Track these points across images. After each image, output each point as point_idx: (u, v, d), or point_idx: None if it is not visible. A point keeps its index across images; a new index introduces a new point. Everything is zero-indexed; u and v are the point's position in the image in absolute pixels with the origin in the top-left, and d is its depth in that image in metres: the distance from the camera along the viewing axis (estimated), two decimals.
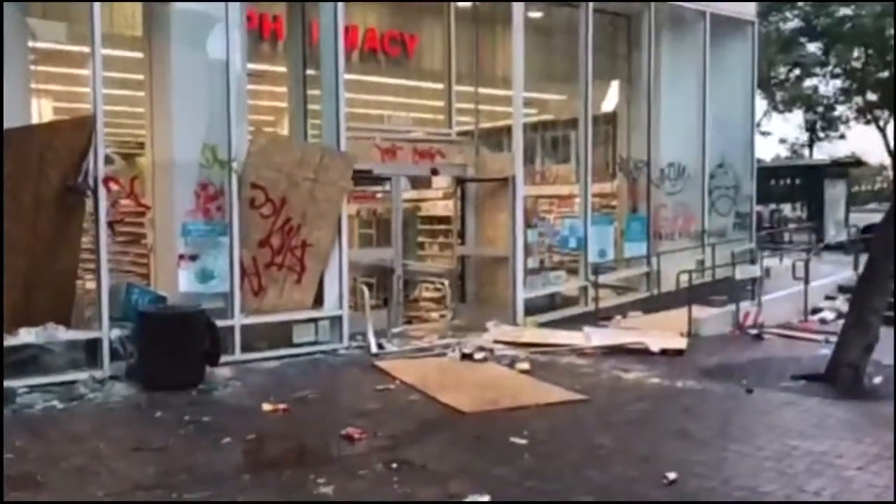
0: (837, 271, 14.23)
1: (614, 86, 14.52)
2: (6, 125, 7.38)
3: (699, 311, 11.00)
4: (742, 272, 11.37)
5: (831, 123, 37.37)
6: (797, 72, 35.20)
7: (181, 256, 8.64)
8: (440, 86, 12.51)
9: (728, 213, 14.61)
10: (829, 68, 34.38)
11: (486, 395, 7.39)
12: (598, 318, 11.78)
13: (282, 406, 6.99)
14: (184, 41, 9.04)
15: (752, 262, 12.33)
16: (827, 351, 9.31)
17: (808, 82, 35.74)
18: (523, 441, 6.01)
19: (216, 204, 8.80)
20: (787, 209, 24.11)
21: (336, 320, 9.62)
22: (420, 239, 15.22)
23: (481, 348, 9.52)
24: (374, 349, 9.46)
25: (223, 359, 8.48)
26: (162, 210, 9.19)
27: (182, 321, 7.97)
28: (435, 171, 11.61)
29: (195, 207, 8.75)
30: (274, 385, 7.94)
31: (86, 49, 8.20)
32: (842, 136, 37.63)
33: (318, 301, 9.60)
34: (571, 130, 16.26)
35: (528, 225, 11.46)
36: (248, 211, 8.98)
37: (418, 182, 15.89)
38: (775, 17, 32.90)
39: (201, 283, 8.70)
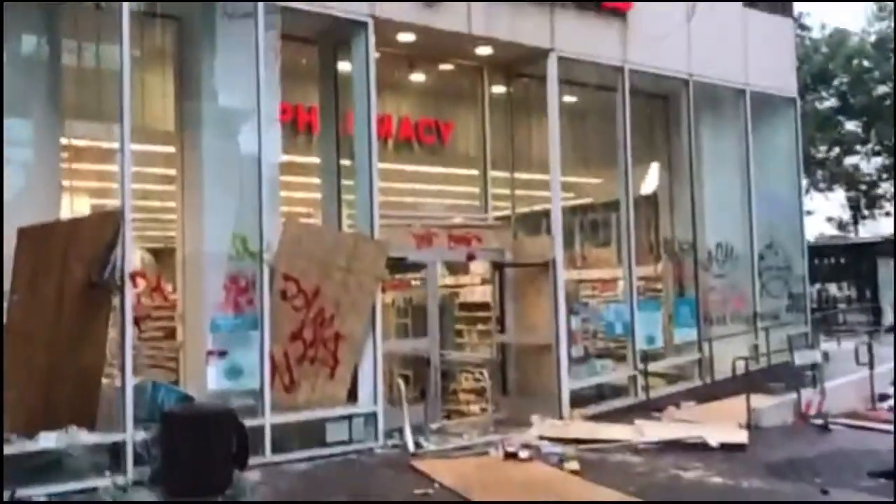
0: None
1: (654, 167, 14.19)
2: (37, 221, 7.25)
3: (758, 400, 10.30)
4: (801, 357, 10.68)
5: (875, 201, 36.58)
6: (837, 150, 34.73)
7: (210, 352, 8.29)
8: (475, 171, 12.27)
9: (780, 295, 13.96)
10: (870, 146, 33.88)
11: (533, 498, 6.79)
12: (650, 409, 11.12)
13: None
14: (215, 134, 8.97)
15: (810, 345, 11.62)
16: None
17: (849, 160, 35.21)
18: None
19: (247, 297, 8.48)
20: (833, 289, 23.29)
21: (371, 417, 9.13)
22: (458, 327, 14.73)
23: (526, 446, 8.91)
24: (411, 448, 8.91)
25: (253, 460, 8.00)
26: (191, 304, 8.92)
27: (208, 422, 7.52)
28: (471, 257, 11.24)
29: (225, 300, 8.44)
30: (304, 490, 7.43)
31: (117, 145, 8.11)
32: (887, 214, 36.77)
33: (352, 395, 9.13)
34: (611, 213, 15.92)
35: (570, 311, 10.95)
36: (280, 303, 8.65)
37: (455, 268, 15.54)
38: (811, 96, 32.69)
39: (230, 380, 8.31)
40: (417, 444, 9.06)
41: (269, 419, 8.38)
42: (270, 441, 8.37)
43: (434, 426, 10.16)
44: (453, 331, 14.34)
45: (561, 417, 10.39)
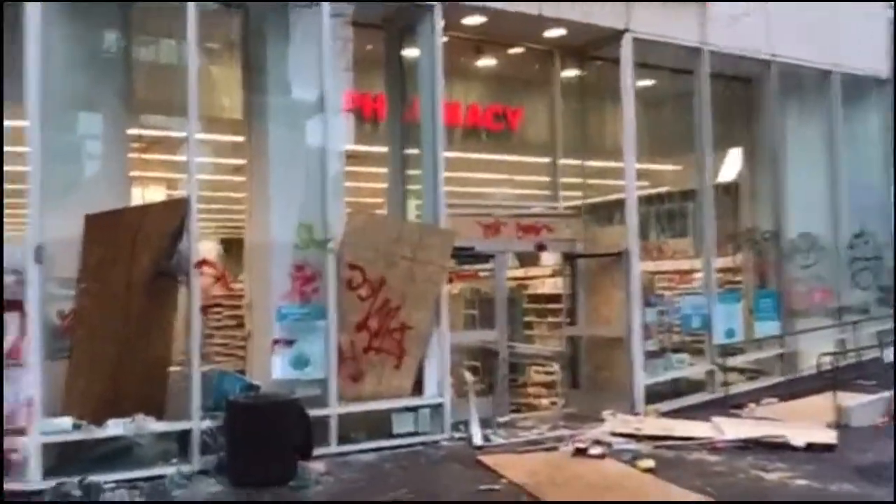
0: None
1: (734, 154, 13.60)
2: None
3: (845, 399, 9.71)
4: (892, 354, 10.01)
5: None
6: None
7: (276, 341, 8.24)
8: (546, 159, 11.95)
9: (870, 287, 13.19)
10: None
11: (604, 498, 6.49)
12: (728, 406, 10.62)
13: None
14: (282, 123, 8.91)
15: None
16: None
17: None
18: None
19: (312, 286, 8.40)
20: None
21: (437, 409, 8.95)
22: (527, 319, 14.49)
23: (598, 442, 8.59)
24: (478, 441, 8.70)
25: (318, 451, 7.96)
26: (258, 293, 8.90)
27: (273, 411, 7.48)
28: (541, 247, 10.94)
29: (291, 290, 8.38)
30: (368, 482, 7.30)
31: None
32: None
33: (418, 388, 8.97)
34: (689, 202, 15.37)
35: (645, 303, 10.54)
36: (346, 293, 8.55)
37: (525, 259, 15.24)
38: None
39: (297, 369, 8.25)
40: (485, 438, 8.85)
41: (335, 409, 8.29)
42: (337, 432, 8.28)
43: (502, 419, 9.94)
44: (522, 323, 14.11)
45: (634, 413, 10.02)
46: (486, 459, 7.97)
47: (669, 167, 14.28)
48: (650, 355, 10.53)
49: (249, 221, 9.26)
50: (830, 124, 12.96)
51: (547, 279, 15.04)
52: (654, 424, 9.33)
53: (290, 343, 8.21)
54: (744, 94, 13.27)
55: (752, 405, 10.62)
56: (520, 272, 15.91)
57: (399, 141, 10.21)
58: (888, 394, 9.79)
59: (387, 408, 8.72)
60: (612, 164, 11.45)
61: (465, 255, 10.06)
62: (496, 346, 10.42)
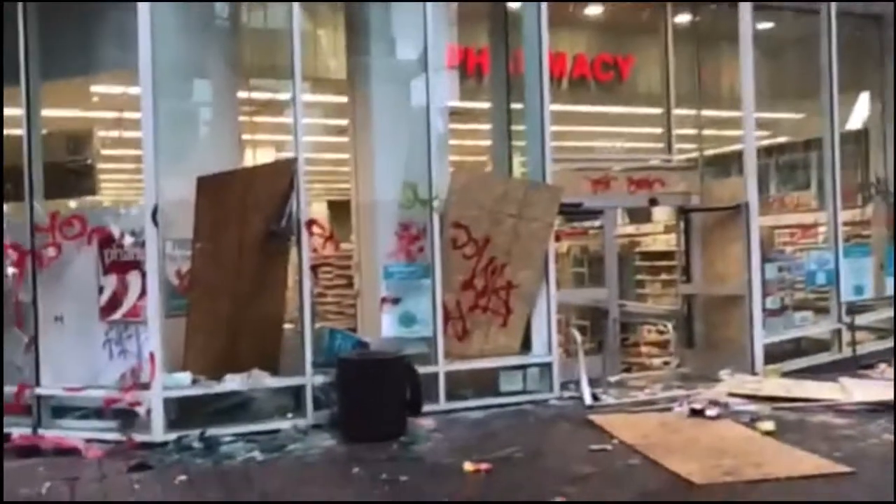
0: None
1: (863, 99, 12.67)
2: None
3: None
4: None
5: None
6: None
7: (383, 300, 8.30)
8: (658, 110, 11.46)
9: None
10: None
11: (722, 462, 6.22)
12: (857, 366, 10.03)
13: (484, 466, 6.28)
14: (385, 81, 8.87)
15: None
16: None
17: None
18: None
19: (418, 245, 8.38)
20: None
21: (545, 367, 8.82)
22: (639, 277, 14.15)
23: (714, 402, 8.27)
24: (587, 401, 8.53)
25: (427, 408, 8.00)
26: (365, 253, 8.97)
27: (382, 368, 7.54)
28: (654, 202, 10.54)
29: (397, 249, 8.39)
30: (478, 439, 7.27)
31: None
32: None
33: (526, 346, 8.87)
34: (812, 152, 14.52)
35: (765, 258, 10.02)
36: (450, 251, 8.49)
37: (636, 216, 14.83)
38: None
39: (404, 327, 8.29)
40: (594, 397, 8.67)
41: (442, 367, 8.29)
42: (444, 389, 8.30)
43: (612, 379, 9.74)
44: (633, 281, 13.77)
45: (753, 373, 9.59)
46: (597, 419, 7.80)
47: (792, 115, 13.50)
48: (770, 313, 10.02)
49: (355, 182, 9.31)
50: None
51: (659, 235, 14.60)
52: (774, 385, 8.91)
53: (396, 301, 8.25)
54: (874, 34, 12.27)
55: (884, 366, 9.99)
56: (631, 228, 15.52)
57: (503, 95, 9.98)
58: None
59: (494, 366, 8.67)
60: (729, 113, 10.88)
61: (572, 212, 9.83)
62: (606, 304, 10.17)
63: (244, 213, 7.47)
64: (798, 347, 10.44)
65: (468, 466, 6.28)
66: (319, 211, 18.74)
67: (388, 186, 8.47)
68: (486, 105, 10.39)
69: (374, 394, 7.35)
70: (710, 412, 7.79)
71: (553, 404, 8.62)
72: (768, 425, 7.28)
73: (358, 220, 9.26)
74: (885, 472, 5.94)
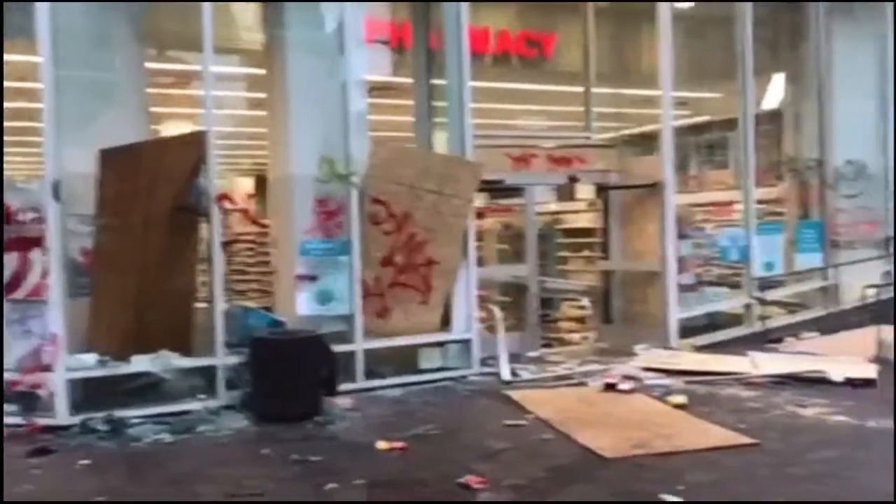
0: None
1: (779, 80, 12.97)
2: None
3: (889, 332, 9.36)
4: None
5: None
6: None
7: (299, 277, 8.14)
8: (579, 88, 11.51)
9: None
10: None
11: (633, 435, 6.33)
12: (767, 340, 10.35)
13: (398, 444, 6.24)
14: (301, 54, 8.58)
15: None
16: None
17: None
18: (677, 499, 4.93)
19: (336, 221, 8.23)
20: None
21: (465, 344, 8.83)
22: (563, 254, 14.25)
23: (628, 377, 8.42)
24: (506, 376, 8.58)
25: (345, 387, 7.92)
26: (282, 229, 8.77)
27: (296, 347, 7.41)
28: (573, 179, 10.62)
29: (314, 225, 8.23)
30: (395, 417, 7.23)
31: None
32: None
33: (447, 323, 8.85)
34: (731, 132, 14.84)
35: (681, 235, 10.21)
36: (370, 227, 8.38)
37: (563, 193, 14.88)
38: None
39: (321, 304, 8.15)
40: (513, 373, 8.73)
41: (360, 345, 8.21)
42: (363, 367, 8.22)
43: (532, 354, 9.83)
44: (557, 258, 13.88)
45: (668, 348, 9.81)
46: (514, 395, 7.85)
47: (712, 95, 13.75)
48: (685, 289, 10.25)
49: (272, 156, 9.08)
50: (881, 47, 12.24)
51: (583, 213, 14.72)
52: (687, 359, 9.12)
53: (313, 279, 8.10)
54: (789, 17, 12.57)
55: (792, 339, 10.34)
56: (555, 206, 15.60)
57: (425, 71, 9.89)
58: None
59: (414, 343, 8.62)
60: (649, 92, 11.00)
61: (494, 189, 9.83)
62: (527, 281, 10.23)
63: (151, 187, 7.21)
64: (712, 322, 10.71)
65: (382, 445, 6.23)
66: (246, 186, 18.31)
67: (306, 161, 8.26)
68: (409, 80, 10.25)
69: (289, 373, 7.22)
70: (624, 386, 7.92)
71: (473, 380, 8.63)
72: (680, 398, 7.44)
73: (275, 195, 9.05)
74: (786, 442, 6.14)
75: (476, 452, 6.08)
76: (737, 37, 10.94)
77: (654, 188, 10.09)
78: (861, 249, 11.90)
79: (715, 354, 9.44)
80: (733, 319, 10.89)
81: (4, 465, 5.80)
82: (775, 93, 13.13)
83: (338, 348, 7.97)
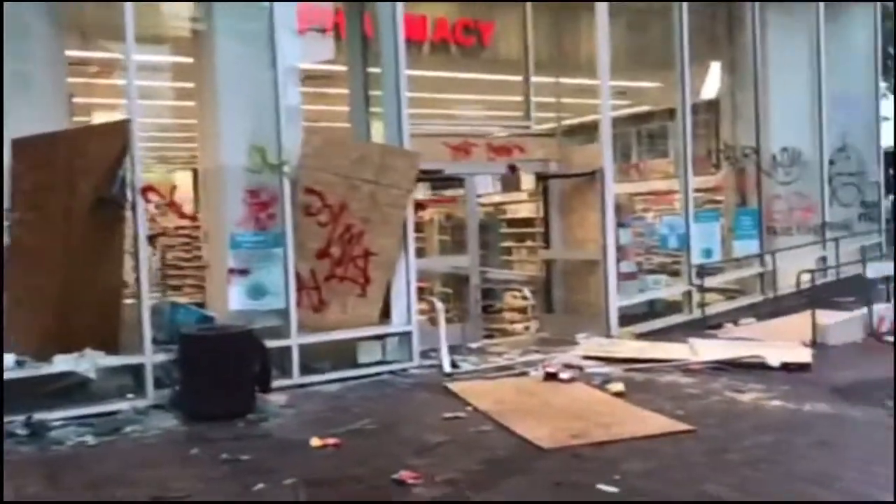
0: None
1: (715, 69, 13.08)
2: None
3: (824, 317, 9.51)
4: (874, 270, 9.76)
5: None
6: None
7: (230, 271, 7.88)
8: (518, 77, 11.39)
9: (853, 203, 12.91)
10: None
11: (571, 425, 6.26)
12: (706, 326, 10.44)
13: (332, 441, 6.06)
14: (229, 41, 8.29)
15: (884, 256, 10.66)
16: None
17: None
18: (613, 489, 4.86)
19: (268, 212, 8.00)
20: None
21: (405, 336, 8.68)
22: (507, 244, 14.19)
23: (569, 366, 8.38)
24: (446, 368, 8.46)
25: (280, 383, 7.72)
26: (213, 221, 8.49)
27: (226, 343, 7.15)
28: (513, 168, 10.53)
29: (245, 216, 7.98)
30: (331, 413, 7.04)
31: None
32: None
33: (386, 316, 8.68)
34: (671, 121, 14.94)
35: (620, 224, 10.22)
36: (304, 219, 8.16)
37: (508, 184, 14.81)
38: None
39: (254, 299, 7.91)
40: (454, 365, 8.61)
41: (295, 340, 7.99)
42: (299, 362, 8.01)
43: (473, 345, 9.75)
44: (500, 248, 13.81)
45: (609, 336, 9.81)
46: (454, 387, 7.73)
47: (651, 84, 13.79)
48: (625, 277, 10.27)
49: (201, 147, 8.79)
50: (815, 38, 12.46)
51: (525, 203, 14.68)
52: (627, 347, 9.12)
53: (244, 272, 7.86)
54: (727, 8, 12.67)
55: (730, 325, 10.45)
56: (500, 196, 15.54)
57: (360, 59, 9.67)
58: (866, 311, 9.59)
59: (352, 337, 8.43)
60: (588, 81, 10.94)
61: (433, 179, 9.69)
62: (468, 271, 10.11)
63: (71, 179, 6.87)
64: (652, 310, 10.76)
65: (315, 442, 6.05)
66: (183, 180, 17.80)
67: (236, 151, 7.99)
68: (344, 69, 10.01)
69: (219, 370, 6.97)
70: (564, 375, 7.87)
71: (413, 373, 8.50)
72: (618, 386, 7.41)
73: (205, 186, 8.76)
74: (724, 428, 6.14)
75: (412, 447, 5.94)
76: (674, 27, 10.99)
77: (593, 177, 10.06)
78: (797, 235, 12.14)
79: (655, 342, 9.47)
80: (673, 307, 10.96)
81: None
82: (714, 83, 13.25)
83: (272, 344, 7.75)
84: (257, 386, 7.24)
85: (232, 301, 7.85)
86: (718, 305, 11.16)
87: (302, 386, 7.87)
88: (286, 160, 7.97)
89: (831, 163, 12.51)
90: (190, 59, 8.94)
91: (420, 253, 12.65)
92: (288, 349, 7.96)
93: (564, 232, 10.76)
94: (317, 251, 8.25)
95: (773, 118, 12.03)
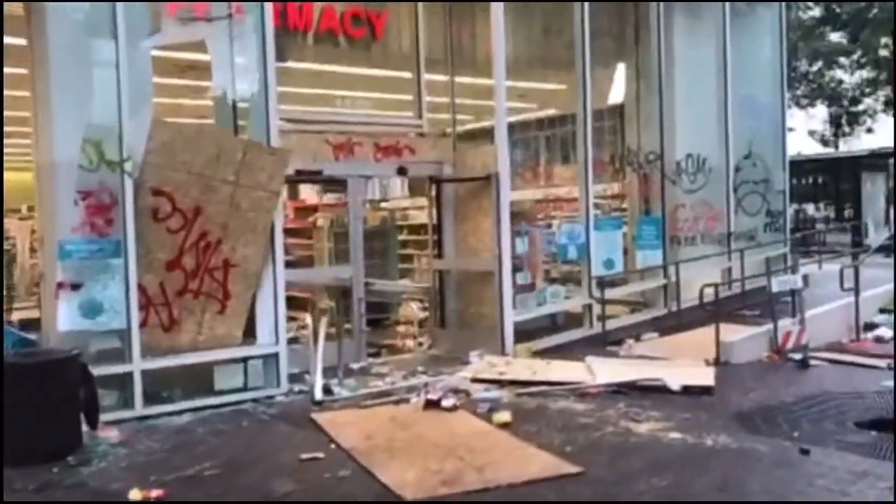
0: (888, 277, 12.01)
1: (620, 72, 12.53)
2: None
3: (729, 332, 9.00)
4: (779, 283, 9.28)
5: (857, 117, 35.00)
6: (820, 63, 33.05)
7: (60, 285, 6.75)
8: (410, 74, 10.53)
9: (758, 212, 12.56)
10: (855, 57, 32.19)
11: (444, 467, 5.41)
12: (606, 342, 9.81)
13: (156, 493, 5.05)
14: (64, 13, 7.15)
15: (790, 268, 10.23)
16: (892, 382, 7.41)
17: (833, 74, 33.55)
18: None
19: (105, 217, 6.90)
20: (810, 209, 22.05)
21: (271, 358, 7.70)
22: (406, 252, 13.32)
23: (455, 390, 7.57)
24: (317, 396, 7.49)
25: (119, 415, 6.67)
26: (46, 227, 7.31)
27: (46, 371, 6.02)
28: (403, 170, 9.64)
29: (80, 222, 6.86)
30: (169, 453, 6.02)
31: None
32: (869, 130, 35.23)
33: (251, 335, 7.69)
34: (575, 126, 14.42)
35: (516, 232, 9.48)
36: (150, 224, 7.10)
37: (418, 188, 13.89)
38: (796, 4, 30.79)
39: (87, 318, 6.80)
40: (327, 391, 7.67)
41: (138, 365, 6.93)
42: (142, 391, 6.94)
43: (356, 366, 8.84)
44: (399, 256, 12.94)
45: (504, 353, 9.05)
46: (321, 418, 6.80)
47: (554, 86, 13.15)
48: (521, 289, 9.54)
49: (35, 140, 7.58)
50: (721, 45, 12.07)
51: (426, 209, 13.85)
52: (521, 367, 8.36)
53: (76, 287, 6.74)
54: (630, 11, 12.13)
55: (631, 341, 9.85)
56: (408, 202, 14.64)
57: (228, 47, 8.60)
58: (771, 326, 9.11)
59: (209, 360, 7.41)
60: (483, 81, 10.13)
61: (310, 180, 8.73)
62: (350, 283, 9.18)
63: None
64: (551, 324, 10.07)
65: (135, 495, 5.04)
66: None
67: (70, 145, 6.87)
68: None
69: (38, 404, 5.86)
70: (447, 403, 7.02)
71: (279, 401, 7.54)
72: (504, 416, 6.61)
73: (39, 187, 7.56)
74: (615, 468, 5.40)
75: (254, 497, 4.99)
76: (575, 27, 10.37)
77: (488, 181, 9.29)
78: (702, 245, 11.68)
79: (553, 360, 8.76)
80: (574, 320, 10.28)
81: None
82: (618, 86, 12.72)
83: (110, 369, 6.69)
84: (85, 420, 6.14)
85: (61, 320, 6.72)
86: (620, 319, 10.56)
87: (145, 418, 6.82)
88: (128, 156, 6.89)
89: (737, 170, 12.13)
90: (22, 41, 7.72)
91: (308, 262, 11.73)
92: (129, 375, 6.88)
93: (458, 240, 9.95)
94: (166, 262, 7.21)
95: (678, 123, 11.54)
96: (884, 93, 32.94)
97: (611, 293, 10.42)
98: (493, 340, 9.18)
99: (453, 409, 6.94)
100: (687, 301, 10.61)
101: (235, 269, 7.47)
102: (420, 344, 10.21)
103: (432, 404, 7.01)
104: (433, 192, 10.11)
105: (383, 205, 14.35)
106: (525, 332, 9.45)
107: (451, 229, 9.97)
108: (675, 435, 6.10)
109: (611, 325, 10.26)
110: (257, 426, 6.78)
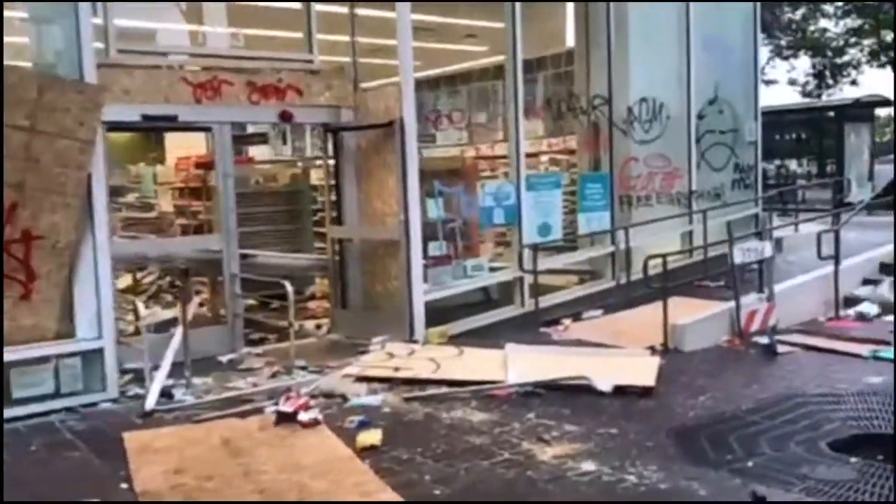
0: (873, 240, 10.43)
1: (569, 9, 10.76)
2: None
3: (681, 312, 7.43)
4: (743, 253, 7.66)
5: (841, 69, 33.39)
6: (803, 10, 31.36)
7: None
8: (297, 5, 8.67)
9: (724, 167, 10.94)
10: (840, 4, 30.50)
11: None
12: (540, 323, 8.24)
13: None
14: None
15: (760, 234, 8.62)
16: (877, 378, 5.99)
17: (817, 24, 31.93)
18: None
19: None
20: (793, 165, 20.54)
21: (94, 356, 6.05)
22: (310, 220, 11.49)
23: (329, 395, 5.97)
24: (149, 404, 5.85)
25: None
26: None
27: None
28: (287, 116, 7.85)
29: None
30: None
31: None
32: (853, 83, 33.65)
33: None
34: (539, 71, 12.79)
35: (427, 193, 7.82)
36: None
37: None
38: None
39: None
40: (167, 395, 6.04)
41: None
42: None
43: (225, 358, 7.23)
44: (312, 223, 11.18)
45: (412, 339, 7.45)
46: (134, 439, 5.16)
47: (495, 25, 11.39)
48: (435, 262, 7.91)
49: None
50: None
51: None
52: (423, 360, 6.75)
53: None
54: None
55: (568, 321, 8.28)
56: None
57: None
58: (733, 304, 7.55)
59: (6, 360, 5.73)
60: (385, 14, 8.29)
61: (157, 128, 6.98)
62: (220, 256, 7.51)
63: None
64: (473, 302, 8.44)
65: None
66: None
67: None
68: None
69: None
70: (305, 417, 5.38)
71: (102, 410, 5.93)
72: (371, 437, 5.00)
73: None
74: None
75: None
76: None
77: (391, 129, 7.58)
78: (658, 206, 10.06)
79: (469, 347, 7.16)
80: (503, 297, 8.67)
81: None
82: (570, 28, 10.99)
83: None
84: None
85: None
86: (559, 294, 8.96)
87: None
88: None
89: (700, 117, 10.45)
90: None
91: (207, 229, 10.01)
92: None
93: (361, 203, 8.25)
94: None
95: (632, 63, 9.80)
96: (868, 42, 31.44)
97: (549, 263, 8.82)
98: (402, 323, 7.58)
99: (312, 424, 5.31)
100: (639, 272, 9.02)
101: (40, 242, 5.78)
102: (318, 327, 8.57)
103: (285, 417, 5.39)
104: (330, 144, 8.37)
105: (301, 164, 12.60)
106: (441, 313, 7.85)
107: (352, 190, 8.27)
108: (587, 466, 4.51)
109: (549, 300, 8.69)
110: (47, 451, 5.12)
